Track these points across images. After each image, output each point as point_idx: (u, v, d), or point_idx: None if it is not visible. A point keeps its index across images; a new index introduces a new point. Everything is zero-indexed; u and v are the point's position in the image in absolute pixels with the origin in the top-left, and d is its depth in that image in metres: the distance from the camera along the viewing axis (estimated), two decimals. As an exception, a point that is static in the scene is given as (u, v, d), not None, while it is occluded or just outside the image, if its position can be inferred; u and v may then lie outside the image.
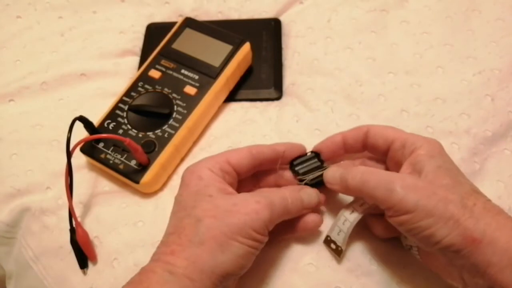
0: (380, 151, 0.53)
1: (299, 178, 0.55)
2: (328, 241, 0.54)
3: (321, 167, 0.56)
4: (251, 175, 0.55)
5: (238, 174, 0.52)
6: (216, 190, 0.48)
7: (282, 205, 0.49)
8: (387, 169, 0.54)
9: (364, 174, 0.48)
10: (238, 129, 0.65)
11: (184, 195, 0.49)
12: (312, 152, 0.57)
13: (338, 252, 0.53)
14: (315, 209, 0.55)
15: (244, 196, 0.49)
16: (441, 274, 0.50)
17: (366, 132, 0.53)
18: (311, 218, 0.53)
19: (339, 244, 0.52)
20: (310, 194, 0.53)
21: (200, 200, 0.47)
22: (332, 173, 0.52)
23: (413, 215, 0.44)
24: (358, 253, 0.55)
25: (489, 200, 0.46)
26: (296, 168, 0.56)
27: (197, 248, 0.45)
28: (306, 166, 0.56)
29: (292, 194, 0.51)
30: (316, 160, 0.56)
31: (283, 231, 0.54)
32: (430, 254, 0.49)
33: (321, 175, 0.54)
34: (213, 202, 0.47)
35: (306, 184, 0.55)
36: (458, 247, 0.43)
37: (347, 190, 0.51)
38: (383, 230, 0.52)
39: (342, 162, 0.58)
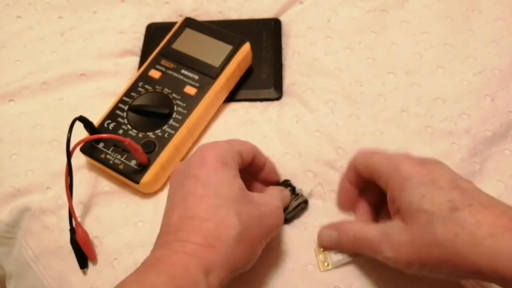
0: (372, 182, 0.51)
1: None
2: (321, 251, 0.55)
3: (295, 196, 0.59)
4: None
5: (241, 166, 0.51)
6: (243, 184, 0.48)
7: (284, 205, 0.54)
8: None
9: (358, 239, 0.49)
10: (238, 130, 0.65)
11: (212, 179, 0.47)
12: (283, 181, 0.59)
13: (323, 266, 0.54)
14: None
15: (265, 196, 0.51)
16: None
17: (354, 167, 0.53)
18: None
19: (330, 262, 0.54)
20: (286, 196, 0.57)
21: (234, 192, 0.46)
22: (327, 237, 0.53)
23: (414, 269, 0.45)
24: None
25: (477, 209, 0.43)
26: None
27: (235, 245, 0.44)
28: None
29: (279, 191, 0.55)
30: (289, 189, 0.59)
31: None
32: None
33: (300, 208, 0.58)
34: (245, 197, 0.47)
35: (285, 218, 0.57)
36: (471, 276, 0.43)
37: (347, 252, 0.53)
38: None
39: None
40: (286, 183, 0.59)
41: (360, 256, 0.53)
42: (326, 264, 0.54)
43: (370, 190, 0.54)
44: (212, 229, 0.44)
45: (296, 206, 0.57)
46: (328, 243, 0.53)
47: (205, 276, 0.41)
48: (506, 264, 0.39)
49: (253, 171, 0.56)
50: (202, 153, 0.49)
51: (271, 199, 0.51)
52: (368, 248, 0.48)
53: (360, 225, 0.51)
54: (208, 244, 0.43)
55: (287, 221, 0.57)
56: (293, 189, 0.59)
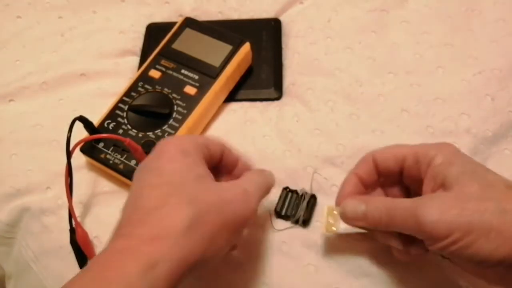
0: (394, 173, 0.50)
1: (293, 220, 0.57)
2: (332, 213, 0.52)
3: (300, 197, 0.58)
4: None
5: (210, 161, 0.49)
6: (203, 171, 0.45)
7: (262, 191, 0.49)
8: (404, 189, 0.52)
9: (389, 210, 0.45)
10: (238, 129, 0.65)
11: (167, 168, 0.44)
12: (282, 190, 0.59)
13: (329, 228, 0.51)
14: None
15: (229, 183, 0.48)
16: (476, 276, 0.46)
17: (373, 160, 0.51)
18: None
19: (338, 227, 0.51)
20: (272, 176, 0.53)
21: (190, 179, 0.44)
22: (353, 208, 0.48)
23: (450, 239, 0.41)
24: (358, 253, 0.55)
25: None
26: (283, 214, 0.57)
27: (186, 234, 0.40)
28: (288, 205, 0.58)
29: (265, 179, 0.51)
30: (291, 194, 0.58)
31: None
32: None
33: (311, 205, 0.57)
34: (204, 183, 0.44)
35: (297, 221, 0.56)
36: (510, 260, 0.40)
37: (377, 227, 0.47)
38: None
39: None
40: (287, 190, 0.59)
41: (367, 232, 0.50)
42: (333, 228, 0.51)
43: (375, 188, 0.53)
44: (161, 218, 0.41)
45: (307, 206, 0.57)
46: (353, 215, 0.48)
47: (147, 272, 0.37)
48: None
49: (226, 169, 0.52)
50: (161, 146, 0.47)
51: (239, 183, 0.48)
52: (402, 216, 0.44)
53: (391, 199, 0.48)
54: (154, 235, 0.39)
55: (305, 224, 0.57)
56: (295, 192, 0.58)
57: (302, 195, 0.58)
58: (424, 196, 0.46)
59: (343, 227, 0.50)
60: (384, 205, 0.46)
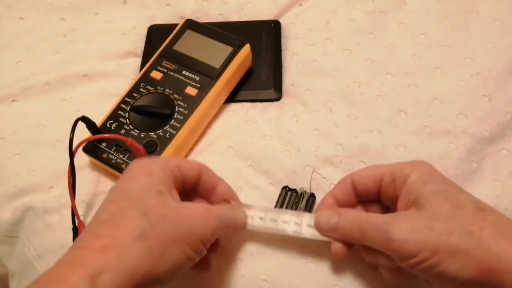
0: (373, 193, 0.51)
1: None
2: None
3: (299, 196, 0.58)
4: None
5: (183, 184, 0.50)
6: (166, 189, 0.45)
7: (227, 218, 0.48)
8: (385, 207, 0.53)
9: (361, 223, 0.47)
10: (238, 129, 0.65)
11: (129, 186, 0.45)
12: (282, 188, 0.59)
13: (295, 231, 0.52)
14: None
15: (192, 203, 0.48)
16: None
17: (352, 181, 0.51)
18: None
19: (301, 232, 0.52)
20: (242, 214, 0.52)
21: (149, 194, 0.44)
22: (326, 219, 0.50)
23: (418, 258, 0.42)
24: (357, 252, 0.55)
25: (499, 216, 0.43)
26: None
27: (136, 244, 0.40)
28: (288, 203, 0.58)
29: (232, 211, 0.51)
30: (290, 193, 0.59)
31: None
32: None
33: (310, 203, 0.57)
34: (162, 199, 0.44)
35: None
36: (477, 279, 0.40)
37: (348, 240, 0.49)
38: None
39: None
40: (286, 189, 0.59)
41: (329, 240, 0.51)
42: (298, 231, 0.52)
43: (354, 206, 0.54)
44: (111, 229, 0.41)
45: (306, 204, 0.58)
46: (325, 226, 0.50)
47: (92, 282, 0.37)
48: None
49: (204, 193, 0.53)
50: (130, 167, 0.48)
51: (203, 204, 0.49)
52: (373, 231, 0.45)
53: (364, 213, 0.50)
54: (102, 247, 0.39)
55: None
56: (294, 191, 0.59)
57: (301, 194, 0.58)
58: (396, 214, 0.47)
59: (305, 232, 0.52)
60: (356, 219, 0.47)
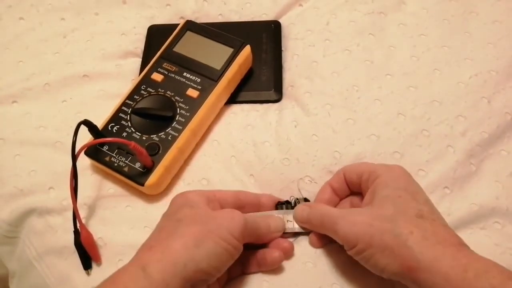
0: (357, 185, 0.56)
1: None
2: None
3: (293, 206, 0.59)
4: None
5: (221, 207, 0.55)
6: (197, 204, 0.51)
7: (253, 224, 0.52)
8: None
9: (322, 216, 0.53)
10: (239, 134, 0.66)
11: (169, 211, 0.52)
12: (275, 206, 0.60)
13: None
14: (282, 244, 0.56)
15: (221, 210, 0.52)
16: None
17: (343, 173, 0.57)
18: (274, 254, 0.55)
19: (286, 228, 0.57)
20: (277, 221, 0.57)
21: (183, 208, 0.51)
22: (300, 213, 0.56)
23: (357, 248, 0.48)
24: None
25: (436, 226, 0.48)
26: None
27: (174, 241, 0.46)
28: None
29: (262, 217, 0.56)
30: (285, 207, 0.59)
31: (248, 266, 0.56)
32: None
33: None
34: (194, 210, 0.50)
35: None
36: (400, 274, 0.46)
37: (316, 229, 0.56)
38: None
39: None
40: (280, 204, 0.59)
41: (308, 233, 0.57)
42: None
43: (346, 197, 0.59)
44: (155, 237, 0.49)
45: None
46: (300, 218, 0.56)
47: (143, 269, 0.44)
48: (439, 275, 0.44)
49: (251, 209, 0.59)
50: (173, 199, 0.54)
51: (226, 209, 0.53)
52: (328, 224, 0.52)
53: (329, 206, 0.56)
54: (149, 247, 0.47)
55: (304, 232, 0.58)
56: (288, 203, 0.59)
57: (294, 203, 0.59)
58: (349, 209, 0.54)
59: (287, 227, 0.57)
60: (319, 212, 0.54)
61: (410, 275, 0.45)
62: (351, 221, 0.49)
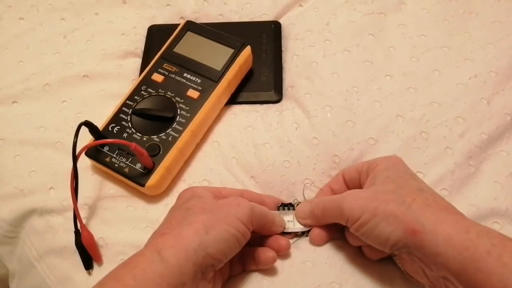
0: (356, 183, 0.58)
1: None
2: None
3: (295, 206, 0.60)
4: None
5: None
6: (205, 195, 0.54)
7: (260, 210, 0.54)
8: None
9: (324, 204, 0.55)
10: (240, 136, 0.66)
11: (177, 203, 0.54)
12: (277, 208, 0.60)
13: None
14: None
15: (227, 198, 0.54)
16: (415, 277, 0.52)
17: (343, 175, 0.59)
18: (268, 254, 0.55)
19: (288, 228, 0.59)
20: (280, 217, 0.58)
21: (191, 199, 0.53)
22: (302, 209, 0.58)
23: (362, 220, 0.49)
24: (354, 250, 0.56)
25: (437, 197, 0.50)
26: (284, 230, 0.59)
27: (185, 228, 0.48)
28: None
29: (268, 210, 0.57)
30: (287, 208, 0.60)
31: (247, 263, 0.57)
32: (403, 259, 0.51)
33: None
34: (202, 200, 0.53)
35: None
36: (404, 240, 0.47)
37: (318, 221, 0.57)
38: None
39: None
40: (282, 206, 0.60)
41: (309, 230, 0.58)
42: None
43: None
44: (166, 225, 0.51)
45: None
46: (302, 214, 0.58)
47: (158, 254, 0.46)
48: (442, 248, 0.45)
49: None
50: (181, 193, 0.56)
51: (233, 198, 0.55)
52: (331, 207, 0.54)
53: (327, 196, 0.58)
54: (162, 234, 0.49)
55: (304, 232, 0.58)
56: (288, 205, 0.60)
57: (297, 205, 0.59)
58: (350, 191, 0.54)
59: (290, 226, 0.58)
60: (320, 201, 0.56)
61: (414, 239, 0.46)
62: (356, 196, 0.52)
